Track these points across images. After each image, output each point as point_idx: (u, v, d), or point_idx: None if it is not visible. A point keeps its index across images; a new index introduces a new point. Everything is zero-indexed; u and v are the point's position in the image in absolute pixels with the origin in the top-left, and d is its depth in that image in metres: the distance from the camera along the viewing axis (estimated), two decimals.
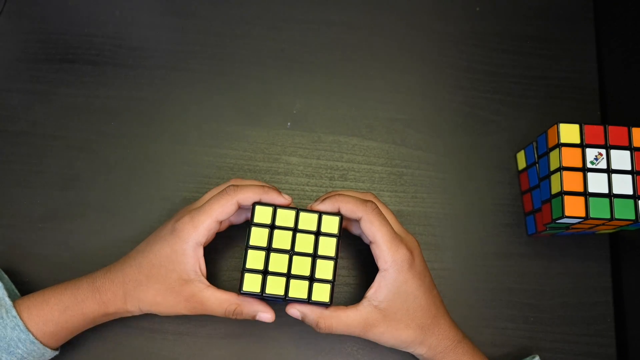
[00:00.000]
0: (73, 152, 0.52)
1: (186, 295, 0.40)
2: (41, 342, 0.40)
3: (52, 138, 0.52)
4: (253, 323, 0.47)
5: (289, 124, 0.54)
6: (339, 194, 0.42)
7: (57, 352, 0.42)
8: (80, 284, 0.41)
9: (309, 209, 0.42)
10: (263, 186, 0.41)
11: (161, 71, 0.55)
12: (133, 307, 0.41)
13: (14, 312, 0.40)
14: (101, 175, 0.51)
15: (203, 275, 0.41)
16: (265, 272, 0.40)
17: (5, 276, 0.45)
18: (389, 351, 0.47)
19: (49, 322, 0.40)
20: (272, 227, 0.40)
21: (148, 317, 0.46)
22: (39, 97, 0.53)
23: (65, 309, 0.40)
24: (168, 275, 0.40)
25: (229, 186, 0.41)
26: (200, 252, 0.41)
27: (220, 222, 0.41)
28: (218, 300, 0.40)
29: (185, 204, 0.45)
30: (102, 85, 0.54)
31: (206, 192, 0.44)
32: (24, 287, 0.46)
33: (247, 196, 0.41)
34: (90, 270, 0.43)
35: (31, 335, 0.39)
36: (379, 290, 0.40)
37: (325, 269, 0.40)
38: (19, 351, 0.39)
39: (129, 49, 0.55)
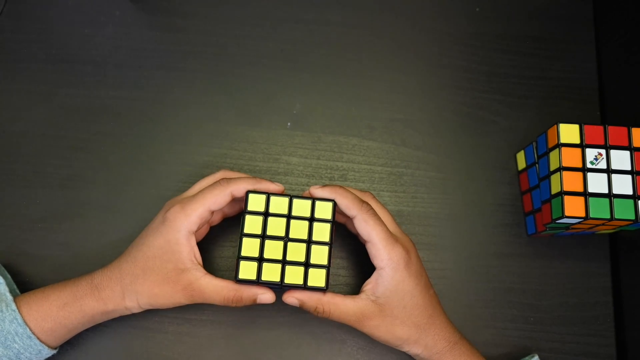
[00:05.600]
0: (73, 152, 0.52)
1: (184, 284, 0.40)
2: (38, 338, 0.40)
3: (52, 138, 0.52)
4: (253, 323, 0.47)
5: (289, 124, 0.54)
6: (339, 187, 0.42)
7: (55, 352, 0.42)
8: (80, 281, 0.42)
9: (305, 193, 0.43)
10: (255, 177, 0.42)
11: (161, 71, 0.55)
12: (131, 302, 0.41)
13: (13, 306, 0.40)
14: (101, 175, 0.51)
15: (199, 263, 0.41)
16: (260, 260, 0.40)
17: (8, 275, 0.45)
18: (389, 351, 0.47)
19: (48, 317, 0.40)
20: (266, 214, 0.41)
21: (148, 317, 0.46)
22: (39, 97, 0.53)
23: (64, 305, 0.41)
24: (163, 266, 0.40)
25: (223, 179, 0.42)
26: (193, 240, 0.41)
27: (212, 212, 0.42)
28: (216, 288, 0.40)
29: None
30: (102, 85, 0.54)
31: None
32: (24, 287, 0.46)
33: (240, 187, 0.41)
34: (90, 270, 0.43)
35: (28, 330, 0.39)
36: (376, 286, 0.41)
37: (320, 255, 0.40)
38: (16, 345, 0.39)
39: (129, 49, 0.55)
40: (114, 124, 0.53)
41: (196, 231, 0.41)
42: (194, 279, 0.40)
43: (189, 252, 0.40)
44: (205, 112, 0.54)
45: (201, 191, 0.41)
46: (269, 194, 0.41)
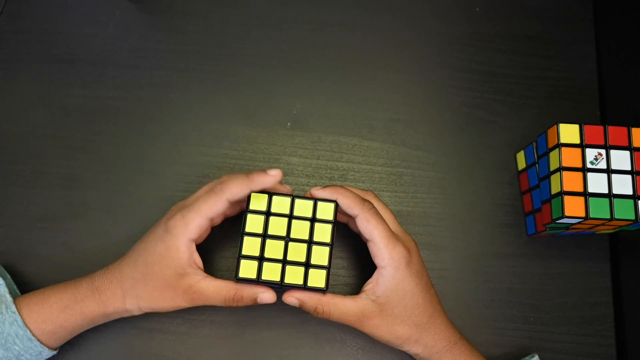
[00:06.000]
0: (73, 152, 0.52)
1: (184, 287, 0.40)
2: (39, 340, 0.40)
3: (52, 138, 0.52)
4: (253, 323, 0.47)
5: (289, 124, 0.54)
6: (341, 187, 0.42)
7: (55, 352, 0.42)
8: (80, 284, 0.42)
9: (307, 194, 0.42)
10: (248, 176, 0.40)
11: (161, 71, 0.55)
12: (132, 305, 0.41)
13: (13, 308, 0.40)
14: (101, 175, 0.51)
15: (199, 267, 0.41)
16: (261, 259, 0.40)
17: (8, 275, 0.45)
18: (389, 351, 0.47)
19: (48, 320, 0.40)
20: (267, 214, 0.41)
21: (148, 317, 0.46)
22: (39, 97, 0.53)
23: (65, 307, 0.41)
24: (163, 271, 0.40)
25: (217, 185, 0.41)
26: (193, 247, 0.41)
27: (212, 219, 0.42)
28: (216, 289, 0.40)
29: None
30: (102, 85, 0.54)
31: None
32: (24, 287, 0.46)
33: (234, 192, 0.40)
34: (90, 271, 0.43)
35: (28, 332, 0.39)
36: (376, 286, 0.41)
37: (320, 255, 0.40)
38: (16, 347, 0.39)
39: (129, 49, 0.55)
40: (114, 124, 0.53)
41: (196, 238, 0.41)
42: (194, 282, 0.40)
43: (189, 259, 0.40)
44: (205, 112, 0.54)
45: (198, 200, 0.41)
46: (271, 194, 0.41)
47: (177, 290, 0.40)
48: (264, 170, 0.41)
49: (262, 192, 0.41)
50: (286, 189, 0.43)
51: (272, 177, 0.41)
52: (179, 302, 0.41)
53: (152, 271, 0.40)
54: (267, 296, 0.41)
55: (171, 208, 0.44)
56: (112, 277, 0.41)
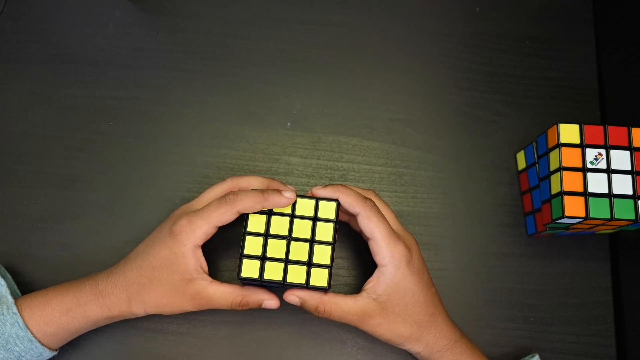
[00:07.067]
0: (73, 152, 0.52)
1: (191, 293, 0.40)
2: (40, 342, 0.40)
3: (52, 138, 0.52)
4: (253, 323, 0.47)
5: (289, 124, 0.54)
6: (342, 185, 0.42)
7: (55, 353, 0.42)
8: (83, 286, 0.41)
9: (309, 193, 0.43)
10: (263, 193, 0.40)
11: (161, 71, 0.55)
12: (138, 309, 0.41)
13: (15, 310, 0.40)
14: (101, 175, 0.51)
15: (205, 272, 0.41)
16: (263, 258, 0.40)
17: (9, 275, 0.45)
18: (389, 351, 0.47)
19: (50, 322, 0.40)
20: (269, 213, 0.41)
21: (148, 317, 0.46)
22: (39, 97, 0.53)
23: (68, 310, 0.40)
24: (170, 277, 0.40)
25: (230, 195, 0.40)
26: (199, 252, 0.41)
27: (218, 227, 0.41)
28: (223, 294, 0.41)
29: (184, 204, 0.45)
30: (102, 85, 0.54)
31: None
32: (24, 288, 0.46)
33: (247, 207, 0.40)
34: (90, 271, 0.43)
35: (29, 333, 0.39)
36: (377, 284, 0.41)
37: (323, 254, 0.40)
38: (17, 349, 0.39)
39: (129, 49, 0.55)
40: (114, 124, 0.53)
41: (202, 244, 0.41)
42: (201, 288, 0.40)
43: (195, 264, 0.40)
44: (205, 112, 0.54)
45: (208, 208, 0.40)
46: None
47: (184, 295, 0.41)
48: (278, 190, 0.41)
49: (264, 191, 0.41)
50: (290, 188, 0.43)
51: (287, 199, 0.40)
52: (186, 306, 0.41)
53: (158, 276, 0.40)
54: (272, 303, 0.42)
55: (175, 211, 0.44)
56: (116, 281, 0.41)
